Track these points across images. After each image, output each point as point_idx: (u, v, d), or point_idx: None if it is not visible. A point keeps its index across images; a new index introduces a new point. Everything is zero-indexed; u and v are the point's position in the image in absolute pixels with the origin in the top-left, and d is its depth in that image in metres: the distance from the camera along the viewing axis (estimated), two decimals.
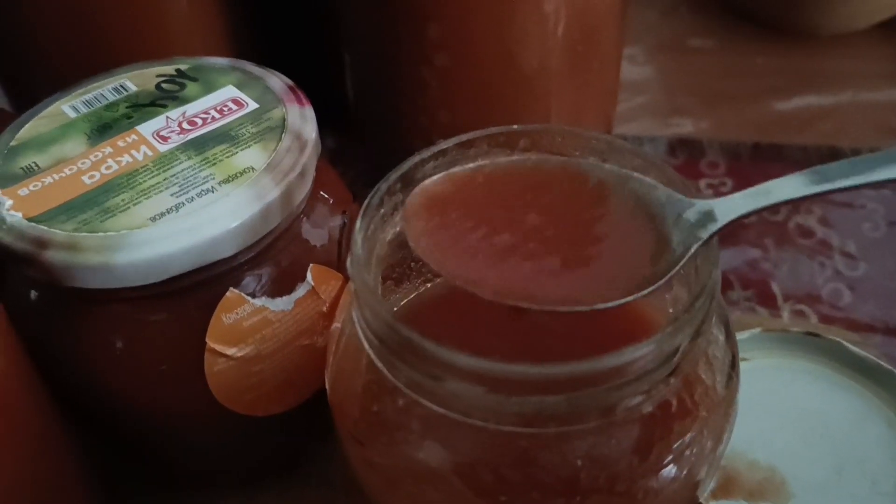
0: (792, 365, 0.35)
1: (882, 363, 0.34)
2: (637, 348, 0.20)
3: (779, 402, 0.34)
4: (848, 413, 0.34)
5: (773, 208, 0.22)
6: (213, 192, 0.25)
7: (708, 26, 0.58)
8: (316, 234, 0.28)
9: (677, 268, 0.23)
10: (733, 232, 0.44)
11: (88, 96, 0.29)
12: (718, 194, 0.47)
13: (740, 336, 0.35)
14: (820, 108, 0.52)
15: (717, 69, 0.55)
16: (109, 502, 0.31)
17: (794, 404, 0.34)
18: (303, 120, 0.27)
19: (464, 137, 0.26)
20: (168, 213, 0.24)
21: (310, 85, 0.30)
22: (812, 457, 0.32)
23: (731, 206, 0.22)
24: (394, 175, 0.25)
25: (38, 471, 0.27)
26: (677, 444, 0.22)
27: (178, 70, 0.30)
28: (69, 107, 0.29)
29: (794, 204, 0.45)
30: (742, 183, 0.48)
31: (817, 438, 0.33)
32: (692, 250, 0.23)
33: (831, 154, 0.48)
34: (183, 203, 0.25)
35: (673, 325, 0.20)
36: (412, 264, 0.29)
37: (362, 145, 0.47)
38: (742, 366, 0.35)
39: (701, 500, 0.31)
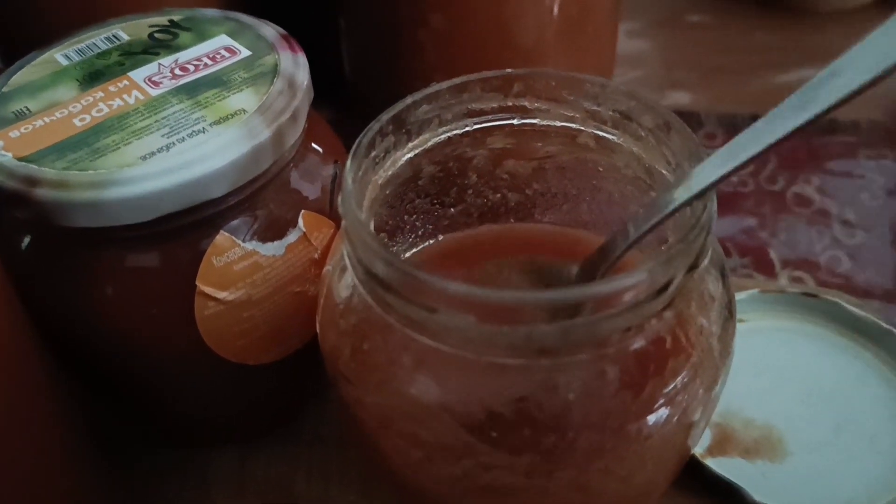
0: (789, 325, 0.35)
1: (881, 322, 0.34)
2: (629, 276, 0.19)
3: (776, 362, 0.34)
4: (846, 373, 0.33)
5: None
6: (203, 132, 0.25)
7: (707, 2, 0.58)
8: (308, 183, 0.28)
9: (646, 227, 0.22)
10: (730, 200, 0.44)
11: (81, 45, 0.29)
12: None
13: (737, 297, 0.35)
14: None
15: (716, 44, 0.55)
16: (105, 459, 0.31)
17: (791, 364, 0.34)
18: (295, 66, 0.27)
19: (457, 81, 0.26)
20: (158, 152, 0.24)
21: (309, 57, 0.30)
22: (809, 416, 0.32)
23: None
24: (385, 116, 0.25)
25: (33, 422, 0.26)
26: (671, 382, 0.22)
27: (171, 21, 0.30)
28: (62, 55, 0.29)
29: (792, 172, 0.46)
30: None
31: (814, 398, 0.33)
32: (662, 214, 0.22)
33: (830, 125, 0.48)
34: (174, 143, 0.24)
35: (666, 255, 0.20)
36: (405, 217, 0.29)
37: (360, 118, 0.47)
38: (739, 326, 0.35)
39: (696, 454, 0.31)
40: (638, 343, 0.21)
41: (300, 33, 0.31)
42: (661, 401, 0.22)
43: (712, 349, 0.23)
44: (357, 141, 0.24)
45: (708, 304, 0.24)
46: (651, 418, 0.22)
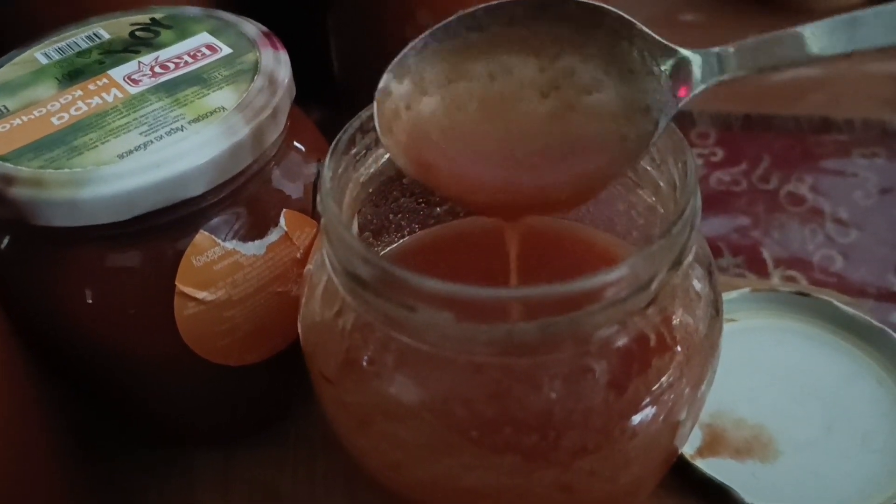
0: (781, 324, 0.35)
1: (872, 321, 0.33)
2: (610, 271, 0.19)
3: (767, 361, 0.33)
4: (838, 371, 0.33)
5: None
6: (182, 130, 0.24)
7: (700, 1, 0.57)
8: (290, 181, 0.27)
9: (661, 129, 0.22)
10: (723, 199, 0.44)
11: (61, 44, 0.29)
12: (708, 164, 0.47)
13: (729, 296, 0.35)
14: (812, 80, 0.51)
15: (709, 43, 0.54)
16: (87, 460, 0.31)
17: (782, 363, 0.33)
18: (276, 63, 0.27)
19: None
20: (136, 150, 0.24)
21: (299, 58, 0.29)
22: (801, 415, 0.32)
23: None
24: (366, 113, 0.25)
25: (14, 422, 0.26)
26: (656, 381, 0.22)
27: (152, 19, 0.30)
28: (41, 54, 0.28)
29: (785, 171, 0.45)
30: (733, 153, 0.47)
31: (806, 397, 0.32)
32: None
33: (823, 124, 0.48)
34: (152, 141, 0.24)
35: (648, 250, 0.20)
36: (390, 217, 0.29)
37: (349, 117, 0.47)
38: (730, 326, 0.35)
39: (686, 455, 0.30)
40: (621, 341, 0.21)
41: (289, 34, 0.31)
42: (647, 400, 0.22)
43: (698, 347, 0.23)
44: (336, 138, 0.24)
45: (694, 301, 0.23)
46: (636, 418, 0.22)
